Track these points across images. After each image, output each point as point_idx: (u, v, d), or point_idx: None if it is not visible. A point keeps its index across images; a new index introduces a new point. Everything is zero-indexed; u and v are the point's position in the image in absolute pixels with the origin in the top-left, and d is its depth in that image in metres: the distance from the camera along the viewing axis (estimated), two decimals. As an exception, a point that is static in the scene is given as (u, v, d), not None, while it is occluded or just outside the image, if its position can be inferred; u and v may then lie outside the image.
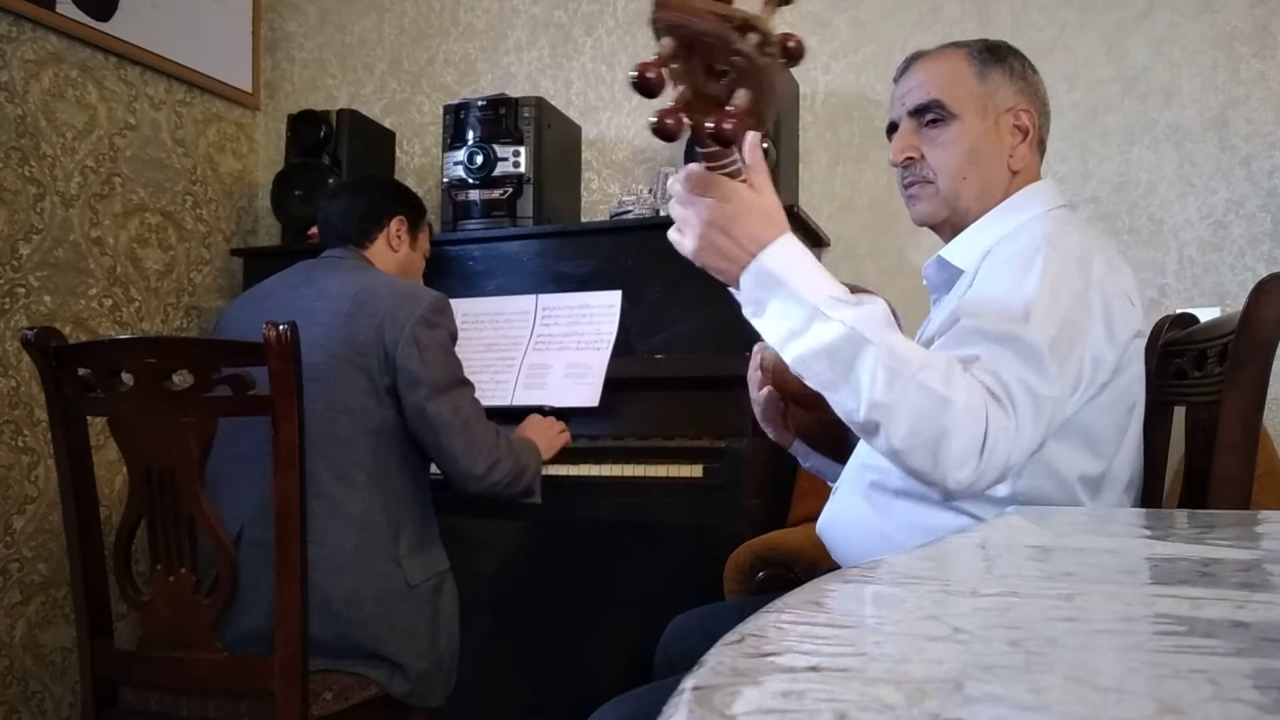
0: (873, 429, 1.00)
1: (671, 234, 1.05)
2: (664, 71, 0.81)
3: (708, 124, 0.84)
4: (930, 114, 1.28)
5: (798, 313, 1.00)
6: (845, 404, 1.01)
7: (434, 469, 1.89)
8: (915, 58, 1.33)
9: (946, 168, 1.28)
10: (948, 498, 1.05)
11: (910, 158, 1.30)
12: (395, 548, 1.73)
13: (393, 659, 1.70)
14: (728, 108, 0.83)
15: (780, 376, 1.27)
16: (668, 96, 0.84)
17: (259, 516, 1.63)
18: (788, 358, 1.03)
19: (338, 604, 1.65)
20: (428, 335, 1.76)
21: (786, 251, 1.01)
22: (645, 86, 0.81)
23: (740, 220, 0.99)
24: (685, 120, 0.84)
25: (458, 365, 1.84)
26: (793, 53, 0.85)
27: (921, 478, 1.01)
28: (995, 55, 1.30)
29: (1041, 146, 1.33)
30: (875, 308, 1.01)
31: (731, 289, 1.05)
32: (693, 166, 1.00)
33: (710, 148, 0.95)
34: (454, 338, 1.85)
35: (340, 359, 1.71)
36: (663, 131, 0.84)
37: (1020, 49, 1.36)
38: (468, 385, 1.85)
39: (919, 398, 0.97)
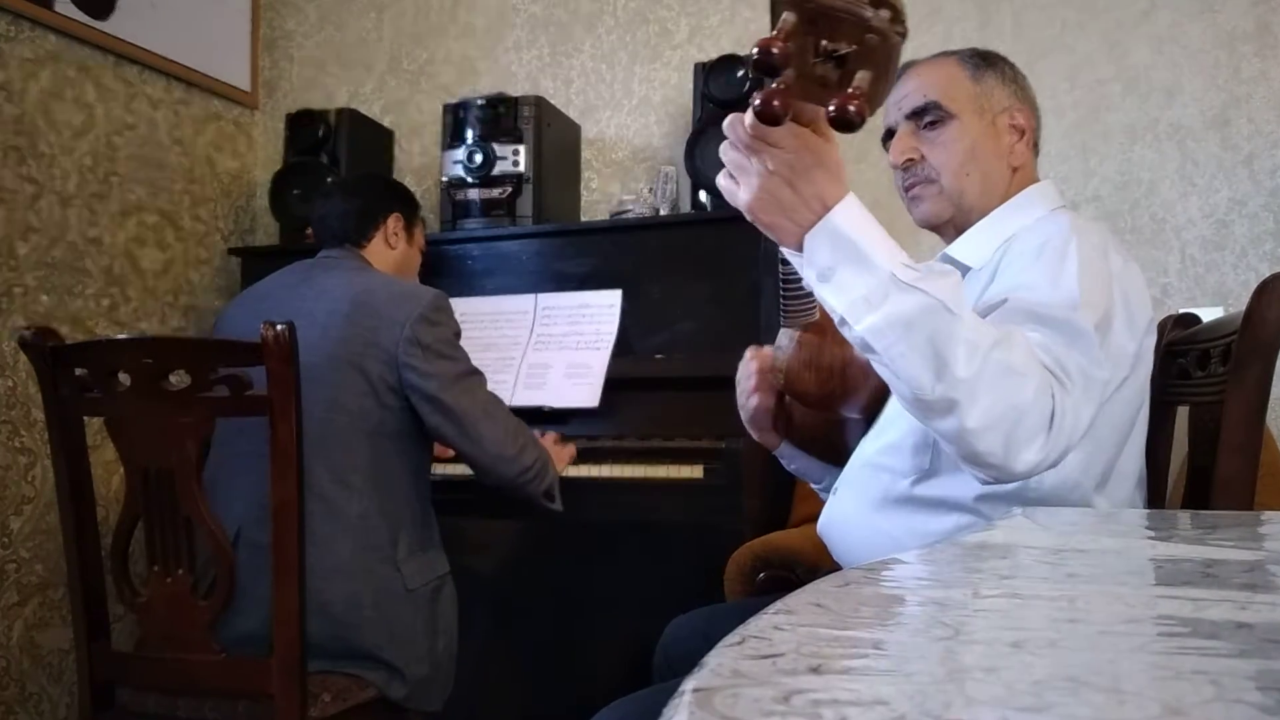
0: (946, 408, 0.94)
1: (721, 181, 0.96)
2: (787, 48, 0.75)
3: (830, 108, 0.77)
4: (928, 115, 1.29)
5: (873, 280, 0.92)
6: (917, 379, 0.94)
7: (435, 470, 1.89)
8: (908, 66, 1.35)
9: (949, 165, 1.28)
10: (1002, 481, 1.00)
11: (911, 159, 1.30)
12: (393, 551, 1.73)
13: (390, 663, 1.69)
14: (850, 89, 0.76)
15: (794, 377, 1.26)
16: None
17: (256, 518, 1.63)
18: (858, 327, 0.94)
19: (335, 607, 1.65)
20: (430, 333, 1.77)
21: (857, 211, 0.94)
22: (769, 64, 0.76)
23: (810, 174, 0.91)
24: (790, 105, 0.78)
25: (465, 357, 1.84)
26: (905, 35, 0.80)
27: (984, 460, 0.96)
28: (987, 60, 1.33)
29: (1036, 149, 1.35)
30: (954, 279, 0.97)
31: (786, 249, 0.97)
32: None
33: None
34: (458, 335, 1.85)
35: (338, 359, 1.71)
36: (769, 116, 0.78)
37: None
38: (479, 374, 1.85)
39: (999, 375, 0.93)
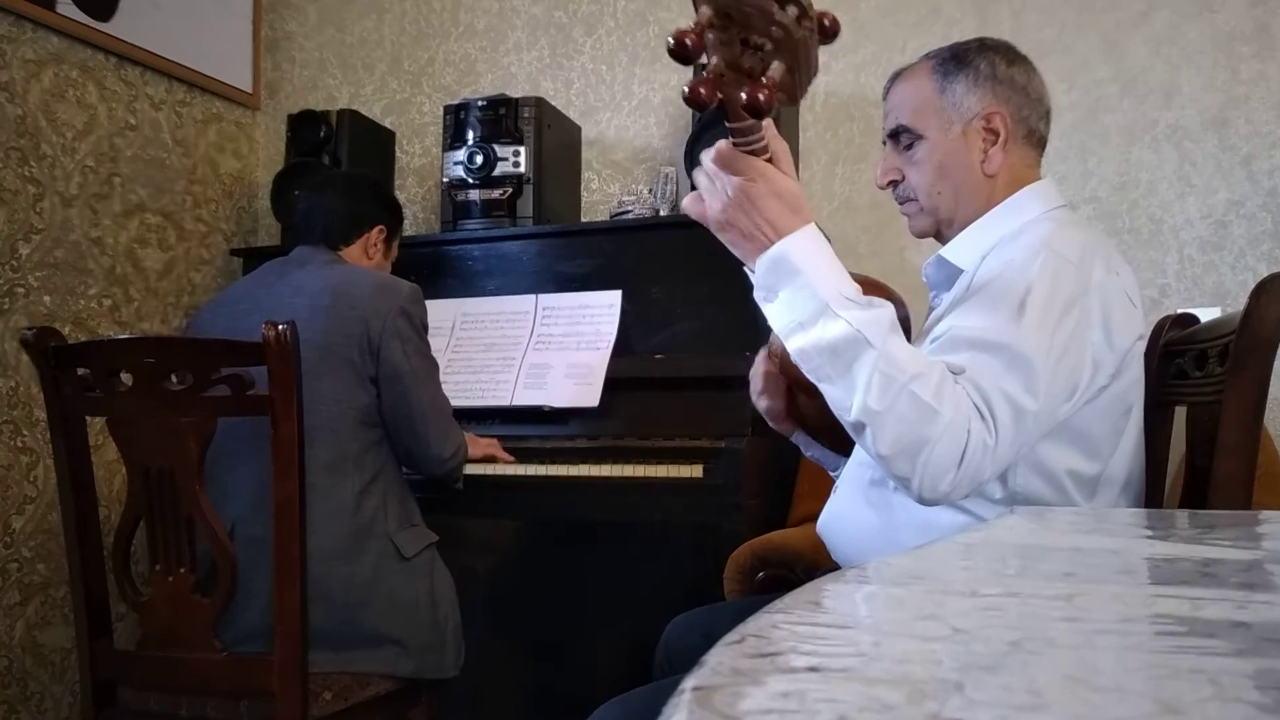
0: (859, 429, 1.03)
1: (690, 204, 1.07)
2: (700, 39, 0.82)
3: (741, 95, 0.84)
4: (902, 139, 1.31)
5: (807, 306, 1.02)
6: (839, 401, 1.03)
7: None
8: (894, 78, 1.36)
9: (921, 185, 1.31)
10: (921, 503, 1.06)
11: (893, 180, 1.34)
12: (385, 525, 1.75)
13: (395, 638, 1.71)
14: (762, 79, 0.84)
15: (787, 361, 1.28)
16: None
17: (251, 512, 1.64)
18: (790, 347, 1.04)
19: (337, 592, 1.66)
20: (407, 326, 1.79)
21: (807, 242, 1.03)
22: (681, 53, 0.82)
23: (765, 200, 1.01)
24: (717, 92, 0.85)
25: (430, 350, 1.87)
26: (828, 30, 0.86)
27: (902, 482, 1.04)
28: (959, 62, 1.30)
29: (1033, 139, 1.32)
30: (883, 312, 1.03)
31: (746, 268, 1.07)
32: (721, 143, 1.01)
33: (740, 122, 0.95)
34: (427, 327, 1.88)
35: (323, 350, 1.71)
36: (695, 101, 0.85)
37: (1019, 50, 1.36)
38: (438, 370, 1.89)
39: (909, 408, 0.99)
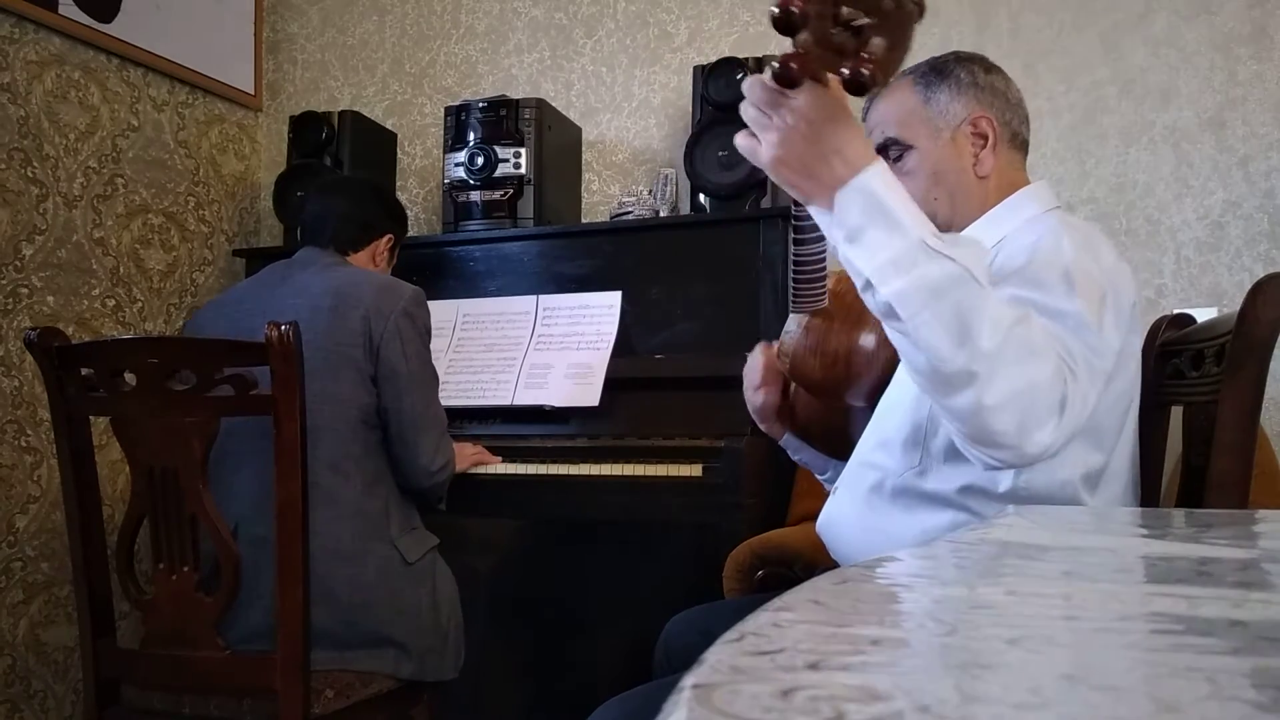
0: (965, 380, 0.93)
1: (741, 139, 0.96)
2: (806, 8, 0.79)
3: (843, 69, 0.81)
4: (890, 152, 1.30)
5: (902, 244, 0.92)
6: (938, 349, 0.92)
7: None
8: (872, 97, 1.35)
9: (916, 194, 1.27)
10: (1012, 465, 0.99)
11: None
12: (388, 529, 1.75)
13: (397, 640, 1.71)
14: (865, 54, 0.80)
15: (799, 362, 1.27)
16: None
17: (254, 512, 1.65)
18: (884, 290, 0.93)
19: (340, 592, 1.66)
20: (409, 328, 1.79)
21: (888, 176, 0.95)
22: (788, 22, 0.79)
23: (825, 128, 0.91)
24: (808, 70, 0.82)
25: (431, 358, 1.87)
26: (921, 10, 0.84)
27: (997, 440, 0.95)
28: (940, 73, 1.31)
29: (1016, 142, 1.32)
30: (980, 250, 0.97)
31: (812, 208, 0.97)
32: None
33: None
34: (429, 331, 1.87)
35: (327, 351, 1.71)
36: (787, 78, 0.82)
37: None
38: (437, 381, 1.88)
39: (1020, 353, 0.93)
